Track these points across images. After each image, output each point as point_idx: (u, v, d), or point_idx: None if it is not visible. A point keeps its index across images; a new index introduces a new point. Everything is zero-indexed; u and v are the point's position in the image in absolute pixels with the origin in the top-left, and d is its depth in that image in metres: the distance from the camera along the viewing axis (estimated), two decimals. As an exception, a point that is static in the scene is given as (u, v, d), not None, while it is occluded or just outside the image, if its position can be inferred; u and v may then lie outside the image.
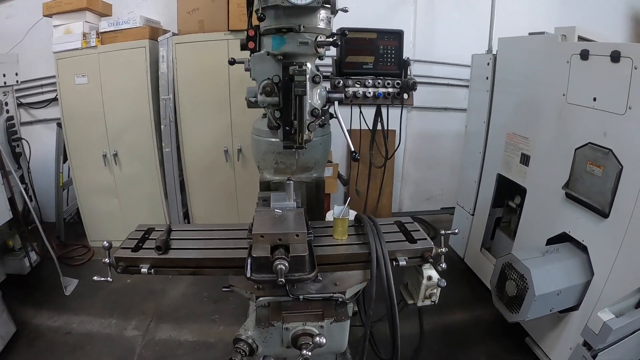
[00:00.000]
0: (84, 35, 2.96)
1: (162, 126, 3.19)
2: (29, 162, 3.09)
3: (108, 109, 3.15)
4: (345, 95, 2.02)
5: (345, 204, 1.56)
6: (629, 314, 1.92)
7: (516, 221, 2.75)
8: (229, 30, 3.04)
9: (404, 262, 1.52)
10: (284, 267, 1.23)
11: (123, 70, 3.05)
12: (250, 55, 1.41)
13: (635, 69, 1.70)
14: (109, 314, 2.69)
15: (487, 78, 2.81)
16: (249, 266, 1.27)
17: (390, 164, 3.51)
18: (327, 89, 1.49)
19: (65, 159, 3.41)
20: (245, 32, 1.37)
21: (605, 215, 1.90)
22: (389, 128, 2.36)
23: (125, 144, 3.24)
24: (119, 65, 3.04)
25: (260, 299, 1.41)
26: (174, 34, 3.04)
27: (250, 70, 1.38)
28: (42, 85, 3.61)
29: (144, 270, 1.34)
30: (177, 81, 3.10)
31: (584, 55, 1.95)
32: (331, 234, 1.54)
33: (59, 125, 3.30)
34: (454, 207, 3.56)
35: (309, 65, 1.31)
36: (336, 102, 1.48)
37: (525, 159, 2.50)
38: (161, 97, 3.13)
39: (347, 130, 1.47)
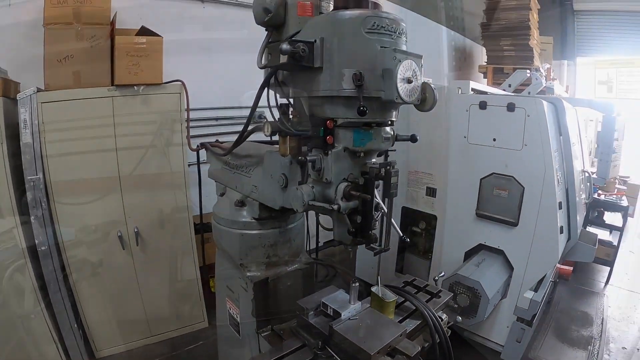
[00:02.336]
0: None
1: (32, 218, 2.27)
2: None
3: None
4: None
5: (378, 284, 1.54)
6: (541, 287, 2.63)
7: (424, 243, 3.16)
8: (114, 85, 2.45)
9: (445, 317, 1.70)
10: (412, 372, 1.19)
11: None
12: (321, 152, 1.21)
13: (528, 116, 2.35)
14: None
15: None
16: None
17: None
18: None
19: None
20: (327, 130, 1.17)
21: (515, 224, 2.54)
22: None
23: (-26, 253, 2.17)
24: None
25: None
26: (39, 90, 2.21)
27: (322, 169, 1.21)
28: None
29: None
30: (47, 154, 2.29)
31: (483, 105, 2.53)
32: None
33: None
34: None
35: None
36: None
37: (431, 192, 2.90)
38: (26, 177, 2.23)
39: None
